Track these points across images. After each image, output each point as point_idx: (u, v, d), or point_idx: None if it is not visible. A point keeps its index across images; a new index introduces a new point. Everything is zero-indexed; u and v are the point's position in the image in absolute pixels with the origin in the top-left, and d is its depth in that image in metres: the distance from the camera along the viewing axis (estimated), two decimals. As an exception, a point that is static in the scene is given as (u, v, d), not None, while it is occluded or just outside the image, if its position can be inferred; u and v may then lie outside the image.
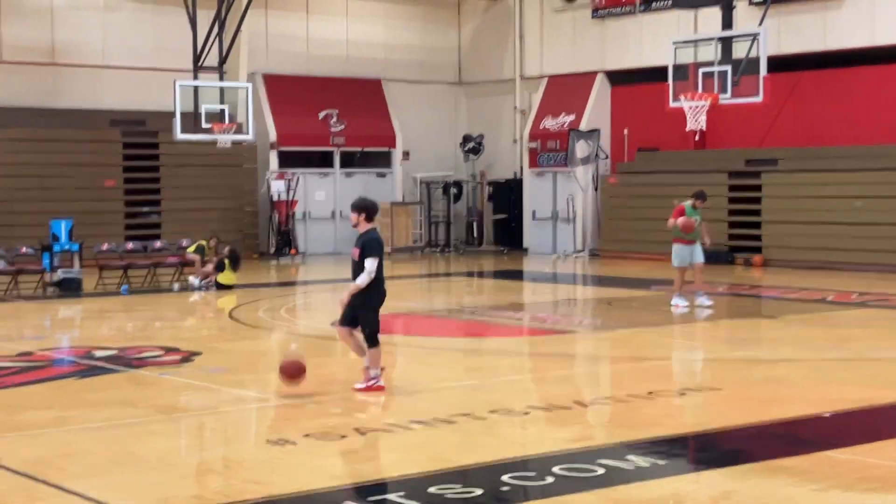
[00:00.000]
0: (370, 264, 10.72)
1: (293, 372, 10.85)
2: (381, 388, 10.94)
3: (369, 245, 10.85)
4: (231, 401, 10.93)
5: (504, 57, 32.29)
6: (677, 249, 17.91)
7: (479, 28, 33.11)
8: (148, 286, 21.80)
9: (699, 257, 17.95)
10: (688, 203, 17.89)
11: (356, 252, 10.99)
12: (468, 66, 33.48)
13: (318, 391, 11.21)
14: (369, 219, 11.02)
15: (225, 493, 7.51)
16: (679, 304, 17.70)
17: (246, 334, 16.12)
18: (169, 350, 13.99)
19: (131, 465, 8.27)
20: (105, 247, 22.67)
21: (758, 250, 25.85)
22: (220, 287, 21.27)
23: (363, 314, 10.94)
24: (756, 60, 20.30)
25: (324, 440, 8.90)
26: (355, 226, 11.12)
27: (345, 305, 10.97)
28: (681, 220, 17.57)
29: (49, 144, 26.46)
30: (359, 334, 11.12)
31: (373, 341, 10.98)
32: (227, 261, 21.26)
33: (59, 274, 21.02)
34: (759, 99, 20.45)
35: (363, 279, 10.73)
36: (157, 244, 23.85)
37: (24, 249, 21.73)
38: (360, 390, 10.91)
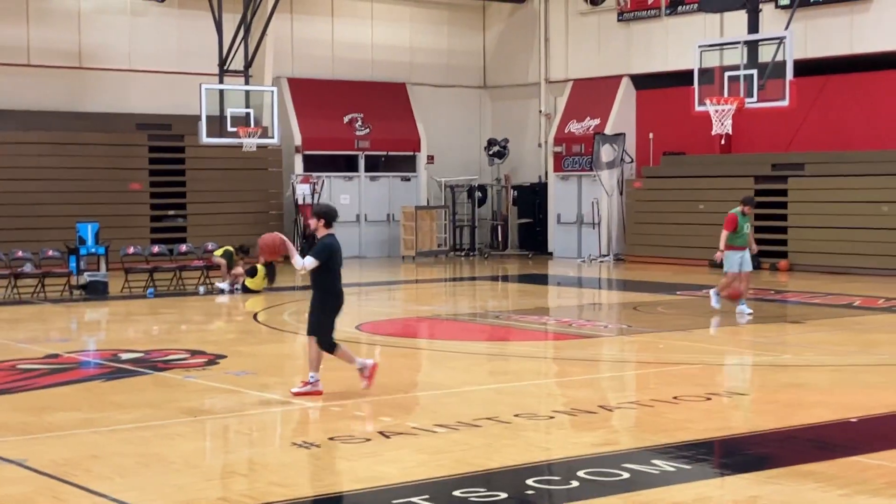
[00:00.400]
0: (308, 261, 10.85)
1: (272, 247, 10.94)
2: (319, 393, 10.91)
3: (318, 248, 11.00)
4: (256, 403, 10.96)
5: (529, 61, 32.27)
6: (728, 255, 17.61)
7: (503, 32, 33.11)
8: (173, 289, 21.88)
9: (748, 265, 17.65)
10: (737, 210, 17.62)
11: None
12: (493, 69, 33.47)
13: (342, 394, 11.22)
14: (328, 225, 11.11)
15: (250, 495, 7.53)
16: (743, 311, 17.34)
17: (271, 338, 16.16)
18: (194, 353, 14.04)
19: (157, 467, 8.30)
20: (131, 250, 22.77)
21: (784, 255, 25.73)
22: (247, 290, 21.35)
23: (317, 318, 11.03)
24: (782, 64, 20.20)
25: (348, 443, 8.92)
26: (314, 230, 11.21)
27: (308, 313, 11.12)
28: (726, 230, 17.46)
29: (75, 148, 26.61)
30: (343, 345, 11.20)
31: (325, 346, 11.04)
32: (263, 271, 21.26)
33: (86, 277, 21.14)
34: (785, 103, 20.35)
35: (298, 260, 10.84)
36: (183, 248, 23.94)
37: (50, 252, 21.86)
38: (297, 394, 10.89)
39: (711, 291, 18.08)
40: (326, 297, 11.03)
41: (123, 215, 26.64)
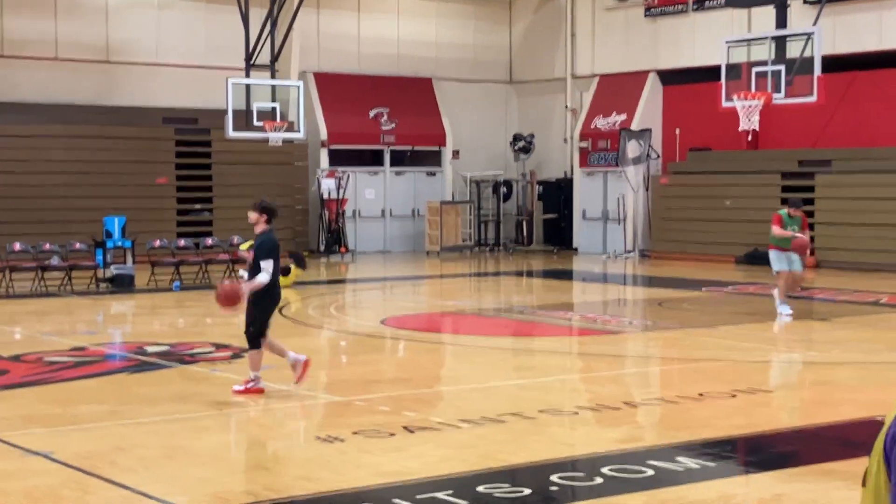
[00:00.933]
0: (266, 265, 10.67)
1: (229, 297, 10.80)
2: (260, 391, 10.77)
3: (264, 246, 10.81)
4: (281, 397, 10.99)
5: (555, 56, 32.21)
6: (774, 255, 17.08)
7: (530, 26, 33.05)
8: (199, 283, 21.96)
9: (797, 264, 17.06)
10: (783, 211, 17.23)
11: (251, 255, 10.99)
12: (519, 64, 33.43)
13: (366, 389, 11.24)
14: (269, 220, 10.96)
15: (274, 488, 7.55)
16: (783, 312, 16.87)
17: (296, 331, 16.19)
18: (220, 346, 14.09)
19: (182, 459, 8.34)
20: (157, 243, 22.87)
21: (810, 252, 25.58)
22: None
23: (250, 311, 10.86)
24: (810, 60, 20.09)
25: (373, 437, 8.93)
26: (254, 225, 11.01)
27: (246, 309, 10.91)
28: (775, 229, 16.99)
29: (102, 142, 26.74)
30: (274, 339, 11.02)
31: (254, 343, 10.86)
32: (292, 266, 21.30)
33: (112, 270, 21.24)
34: (813, 99, 20.25)
35: (262, 278, 10.67)
36: (209, 241, 24.01)
37: (77, 245, 21.98)
38: (238, 392, 10.74)
39: (776, 303, 17.12)
40: (266, 292, 10.80)
41: (150, 209, 26.75)
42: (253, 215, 11.00)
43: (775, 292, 17.29)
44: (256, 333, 10.87)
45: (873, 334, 15.37)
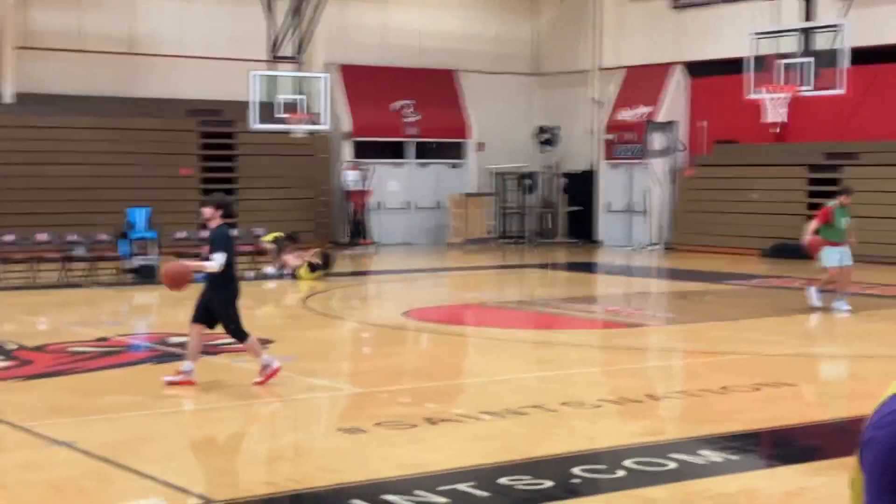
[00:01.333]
0: (219, 258, 10.62)
1: (175, 278, 10.75)
2: (276, 371, 10.74)
3: (217, 240, 10.76)
4: (303, 388, 10.99)
5: (580, 47, 32.10)
6: (826, 252, 16.49)
7: (555, 18, 32.95)
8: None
9: (848, 259, 16.56)
10: (834, 203, 16.53)
11: (206, 249, 10.90)
12: (544, 56, 33.33)
13: (388, 381, 11.23)
14: (225, 216, 10.88)
15: (296, 479, 7.55)
16: (841, 307, 16.40)
17: (319, 323, 16.21)
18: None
19: (204, 450, 8.35)
20: (181, 234, 22.93)
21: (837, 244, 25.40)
22: (296, 276, 21.40)
23: (221, 313, 10.81)
24: (838, 52, 19.96)
25: (394, 429, 8.92)
26: (208, 220, 10.92)
27: (197, 300, 10.88)
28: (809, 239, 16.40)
29: (127, 133, 26.82)
30: (203, 332, 10.92)
31: (240, 335, 10.82)
32: (319, 267, 21.31)
33: (136, 261, 21.31)
34: (840, 91, 20.13)
35: (211, 265, 10.65)
36: (233, 233, 24.03)
37: (101, 236, 22.06)
38: (259, 383, 10.66)
39: (811, 289, 16.78)
40: (227, 285, 10.77)
41: (174, 200, 26.80)
42: (208, 210, 10.89)
43: (811, 289, 16.73)
44: (238, 328, 10.82)
45: (899, 328, 15.25)
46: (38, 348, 13.13)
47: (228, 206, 11.03)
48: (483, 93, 32.10)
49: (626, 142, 30.14)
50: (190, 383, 10.68)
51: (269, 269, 21.68)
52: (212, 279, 10.78)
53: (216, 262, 10.62)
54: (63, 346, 13.30)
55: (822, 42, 20.74)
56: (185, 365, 10.79)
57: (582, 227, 31.35)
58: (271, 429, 9.72)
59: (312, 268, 21.40)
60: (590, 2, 31.61)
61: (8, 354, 12.72)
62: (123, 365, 12.18)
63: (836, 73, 20.33)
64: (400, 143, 30.98)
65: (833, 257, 16.43)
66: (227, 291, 10.81)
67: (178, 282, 10.82)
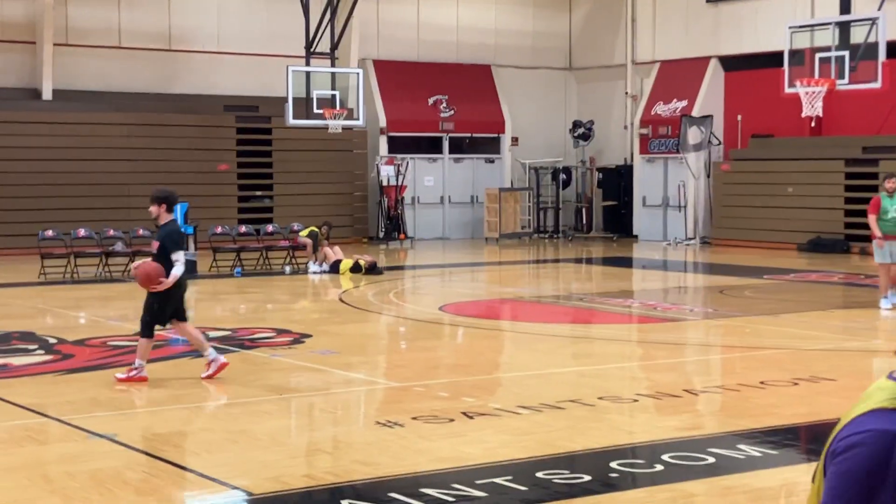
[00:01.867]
0: (178, 256, 10.59)
1: (150, 277, 10.71)
2: (143, 379, 10.65)
3: (170, 238, 10.71)
4: (340, 382, 11.06)
5: (615, 42, 32.02)
6: (876, 245, 15.83)
7: (589, 13, 32.88)
8: (260, 269, 22.14)
9: (891, 256, 15.72)
10: (882, 193, 15.70)
11: (156, 245, 10.82)
12: (579, 51, 33.27)
13: (425, 375, 11.28)
14: (170, 210, 10.84)
15: (334, 472, 7.61)
16: (884, 306, 15.80)
17: (355, 317, 16.28)
18: (280, 332, 14.20)
19: (244, 443, 8.42)
20: (219, 230, 23.07)
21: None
22: (333, 270, 21.45)
23: (149, 300, 10.77)
24: (874, 46, 19.82)
25: (431, 423, 8.96)
26: (156, 218, 10.90)
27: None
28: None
29: (164, 129, 27.00)
30: (189, 328, 10.93)
31: (146, 331, 10.74)
32: (363, 264, 21.34)
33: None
34: (877, 85, 19.98)
35: (178, 271, 10.59)
36: (270, 228, 24.18)
37: (140, 232, 22.23)
38: (121, 380, 10.64)
39: (879, 301, 16.00)
40: (176, 283, 10.71)
41: (211, 196, 26.97)
42: (153, 208, 10.85)
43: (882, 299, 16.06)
44: (151, 322, 10.78)
45: (939, 323, 15.13)
46: (79, 342, 13.27)
47: (170, 198, 10.91)
48: (518, 88, 32.09)
49: (661, 136, 30.04)
50: (223, 366, 10.77)
51: (312, 265, 21.74)
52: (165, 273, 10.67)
53: (179, 264, 10.62)
54: (104, 340, 13.43)
55: (858, 35, 20.59)
56: (208, 354, 10.84)
57: (617, 222, 31.27)
58: (310, 422, 9.78)
59: (357, 268, 21.43)
60: (625, -4, 31.51)
61: (49, 348, 12.86)
62: (163, 359, 12.28)
63: (872, 66, 20.18)
64: (435, 139, 31.01)
65: (883, 252, 15.73)
66: (175, 290, 10.74)
67: (150, 281, 10.75)
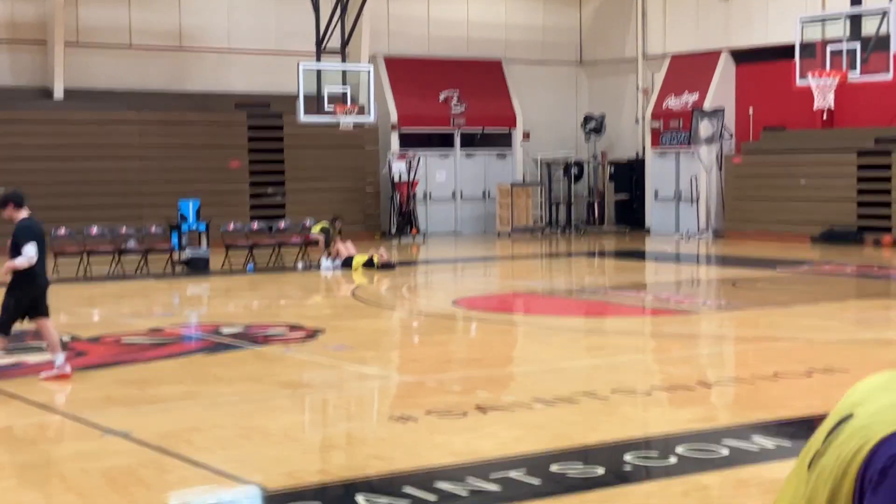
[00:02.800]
0: (28, 249, 10.38)
1: None
2: (67, 376, 10.61)
3: (20, 233, 10.51)
4: (354, 377, 11.07)
5: (626, 36, 31.96)
6: None
7: (600, 6, 32.82)
8: (273, 265, 22.17)
9: None
10: None
11: (9, 242, 10.74)
12: (589, 45, 33.22)
13: (439, 369, 11.28)
14: (18, 206, 10.63)
15: (349, 467, 7.62)
16: None
17: (368, 313, 16.29)
18: (294, 327, 14.21)
19: (257, 439, 8.43)
20: (231, 226, 23.11)
21: (887, 230, 25.20)
22: (348, 265, 21.42)
23: (6, 298, 10.64)
24: (885, 37, 19.76)
25: (445, 417, 8.96)
26: (10, 218, 10.70)
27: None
28: None
29: (177, 127, 27.05)
30: (48, 326, 10.78)
31: (2, 329, 10.59)
32: (375, 261, 21.33)
33: (188, 253, 21.52)
34: (888, 76, 19.93)
35: (20, 261, 10.40)
36: (282, 224, 24.22)
37: (153, 229, 22.29)
38: (47, 379, 10.60)
39: None
40: (27, 279, 10.54)
41: (224, 192, 27.02)
42: (4, 212, 10.73)
43: None
44: (5, 320, 10.65)
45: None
46: (93, 339, 13.31)
47: (14, 197, 10.76)
48: (529, 82, 32.05)
49: (672, 129, 29.98)
50: (66, 376, 10.66)
51: (324, 261, 21.74)
52: (21, 271, 10.53)
53: (26, 254, 10.40)
54: (117, 337, 13.46)
55: (869, 27, 20.52)
56: (55, 358, 10.74)
57: (630, 216, 31.24)
58: (323, 418, 9.79)
59: (370, 263, 21.43)
60: (635, -11, 31.44)
61: (63, 346, 12.89)
62: (176, 355, 12.31)
63: (884, 57, 20.11)
64: (447, 134, 31.01)
65: None
66: (24, 284, 10.57)
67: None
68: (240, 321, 14.87)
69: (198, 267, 21.26)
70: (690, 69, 29.90)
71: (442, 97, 30.61)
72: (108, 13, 27.09)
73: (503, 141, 31.65)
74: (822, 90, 20.64)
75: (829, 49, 20.75)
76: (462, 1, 31.47)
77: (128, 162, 26.39)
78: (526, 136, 31.52)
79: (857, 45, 20.25)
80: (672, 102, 30.07)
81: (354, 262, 21.44)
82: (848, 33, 20.66)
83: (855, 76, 20.30)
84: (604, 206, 31.97)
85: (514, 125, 31.43)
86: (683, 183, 29.76)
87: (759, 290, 18.15)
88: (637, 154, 31.39)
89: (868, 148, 25.90)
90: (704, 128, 28.73)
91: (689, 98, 29.60)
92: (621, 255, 25.95)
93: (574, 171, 31.57)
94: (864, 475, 1.71)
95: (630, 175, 31.29)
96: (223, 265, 21.71)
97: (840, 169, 26.10)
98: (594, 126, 31.54)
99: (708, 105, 29.02)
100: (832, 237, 25.56)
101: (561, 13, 32.96)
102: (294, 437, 8.58)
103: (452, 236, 30.08)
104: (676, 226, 29.84)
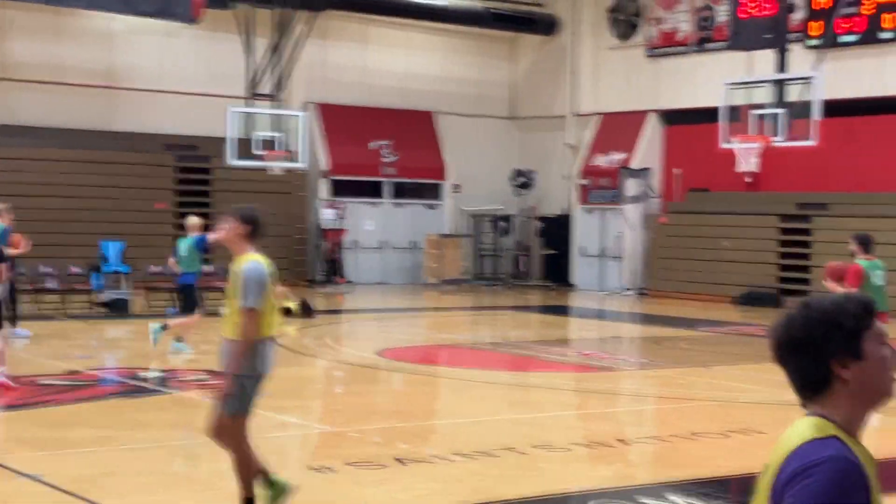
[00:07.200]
0: None
1: None
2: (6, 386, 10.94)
3: None
4: (274, 426, 10.96)
5: (557, 93, 32.35)
6: None
7: (532, 63, 33.21)
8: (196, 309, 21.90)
9: None
10: (861, 261, 13.26)
11: None
12: (521, 101, 33.57)
13: (360, 420, 11.23)
14: None
15: (265, 517, 7.53)
16: None
17: (291, 361, 16.16)
18: (215, 373, 14.04)
19: (175, 486, 8.32)
20: (155, 269, 22.87)
21: (806, 293, 25.61)
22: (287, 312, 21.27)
23: None
24: (809, 104, 20.22)
25: (365, 469, 8.92)
26: None
27: None
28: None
29: (104, 166, 26.78)
30: None
31: None
32: (294, 308, 21.23)
33: (107, 294, 21.25)
34: (811, 142, 20.36)
35: None
36: (206, 268, 23.98)
37: (74, 269, 21.99)
38: None
39: None
40: None
41: (149, 234, 26.74)
42: None
43: None
44: None
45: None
46: (8, 380, 13.04)
47: None
48: (461, 135, 32.27)
49: (600, 187, 30.33)
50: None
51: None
52: None
53: None
54: (33, 378, 13.23)
55: (795, 94, 20.99)
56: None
57: (557, 271, 31.45)
58: (241, 466, 9.67)
59: (286, 312, 21.32)
60: (567, 48, 31.89)
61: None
62: (94, 398, 12.12)
63: (808, 124, 20.57)
64: (377, 183, 31.06)
65: None
66: None
67: None
68: (160, 366, 14.69)
69: (118, 309, 21.00)
70: (619, 128, 30.32)
71: (373, 146, 30.69)
72: (39, 49, 26.84)
73: (433, 192, 31.78)
74: (747, 154, 21.05)
75: (754, 114, 21.17)
76: (398, 52, 31.66)
77: (52, 200, 26.02)
78: (457, 187, 31.68)
79: (782, 111, 20.69)
80: (600, 160, 30.44)
81: (293, 307, 21.33)
82: (773, 99, 21.10)
83: (779, 141, 20.72)
84: (531, 260, 32.18)
85: (445, 177, 31.58)
86: (609, 240, 30.08)
87: (681, 349, 18.34)
88: (565, 210, 31.68)
89: (790, 212, 26.38)
90: (631, 186, 29.11)
91: (617, 156, 29.99)
92: (546, 310, 26.09)
93: (502, 224, 31.76)
94: (787, 479, 2.56)
95: (557, 230, 31.54)
96: (145, 308, 21.46)
97: (762, 232, 26.55)
98: (524, 181, 31.80)
99: (635, 164, 29.43)
100: (752, 299, 25.93)
101: (494, 68, 33.29)
102: (212, 485, 8.48)
103: (379, 286, 30.05)
104: (601, 283, 30.10)
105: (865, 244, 13.13)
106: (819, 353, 2.69)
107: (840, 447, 2.61)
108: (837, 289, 12.61)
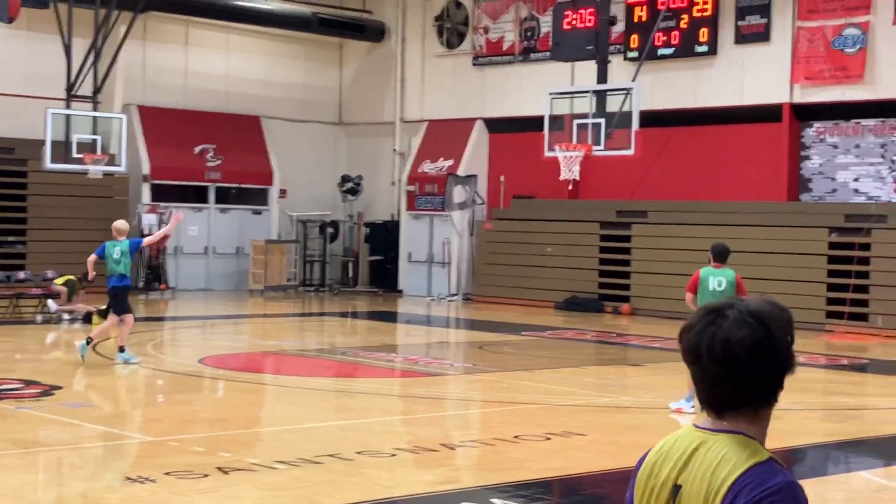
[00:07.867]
0: None
1: None
2: None
3: None
4: (91, 436, 10.68)
5: (385, 99, 32.44)
6: None
7: (360, 69, 33.22)
8: (9, 317, 21.22)
9: None
10: (705, 268, 13.29)
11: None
12: (349, 106, 33.54)
13: (181, 429, 11.02)
14: None
15: (80, 530, 7.32)
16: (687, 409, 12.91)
17: (110, 369, 15.78)
18: (29, 383, 13.63)
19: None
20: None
21: (626, 299, 26.30)
22: (87, 321, 20.78)
23: None
24: (629, 115, 20.75)
25: (185, 478, 8.76)
26: None
27: None
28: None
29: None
30: None
31: None
32: (94, 315, 20.73)
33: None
34: (630, 152, 20.89)
35: None
36: (21, 275, 23.26)
37: None
38: None
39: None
40: None
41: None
42: None
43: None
44: None
45: (683, 380, 15.82)
46: None
47: None
48: (288, 140, 32.05)
49: (427, 193, 30.53)
50: None
51: (51, 304, 20.98)
52: None
53: None
54: None
55: (613, 104, 21.52)
56: None
57: (384, 277, 31.51)
58: (58, 477, 9.40)
59: (86, 319, 20.83)
60: (395, 55, 32.01)
61: None
62: None
63: (626, 134, 21.09)
64: (201, 188, 30.57)
65: None
66: None
67: None
68: (-29, 375, 14.13)
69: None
70: (446, 135, 30.59)
71: (197, 150, 30.20)
72: None
73: (259, 197, 31.45)
74: (569, 162, 21.45)
75: (575, 123, 21.61)
76: (221, 55, 31.24)
77: None
78: (283, 193, 31.43)
79: (602, 121, 21.17)
80: (427, 167, 30.64)
81: (95, 318, 20.76)
82: (594, 109, 21.58)
83: (599, 150, 21.19)
84: (358, 266, 32.15)
85: (271, 182, 31.30)
86: (437, 246, 30.30)
87: (504, 353, 18.60)
88: (392, 216, 31.78)
89: (610, 220, 27.04)
90: (458, 193, 29.38)
91: (444, 163, 30.24)
92: (373, 316, 26.11)
93: (330, 230, 31.66)
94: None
95: (385, 237, 31.61)
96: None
97: (584, 238, 27.14)
98: (351, 186, 31.77)
99: (462, 171, 29.72)
100: (575, 305, 26.49)
101: (321, 73, 33.17)
102: (24, 497, 8.21)
103: (203, 293, 29.57)
104: (429, 289, 30.30)
105: (715, 253, 13.24)
106: (782, 363, 2.44)
107: (783, 469, 2.38)
108: (689, 296, 13.14)
